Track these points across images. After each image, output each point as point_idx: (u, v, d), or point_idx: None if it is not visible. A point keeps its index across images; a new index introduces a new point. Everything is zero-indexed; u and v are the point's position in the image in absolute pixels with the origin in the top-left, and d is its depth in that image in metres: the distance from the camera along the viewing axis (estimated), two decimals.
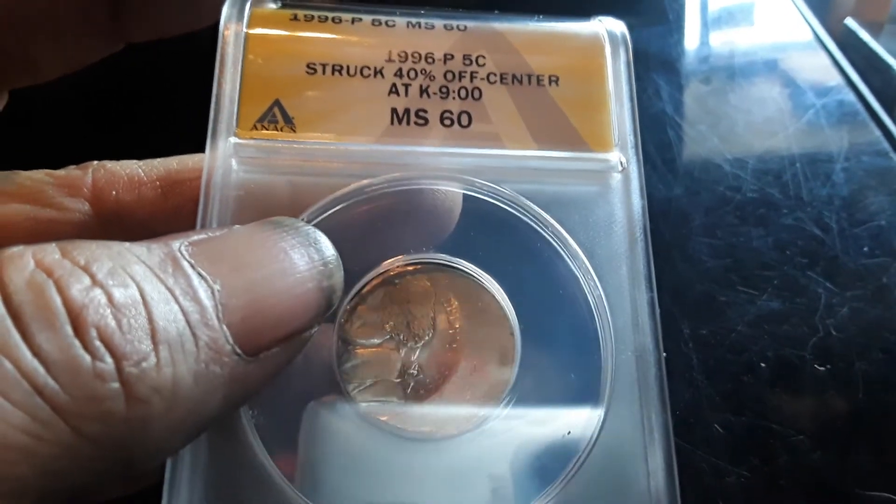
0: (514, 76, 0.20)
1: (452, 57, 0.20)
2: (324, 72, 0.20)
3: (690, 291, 0.35)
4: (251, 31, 0.20)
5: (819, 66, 0.48)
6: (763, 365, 0.33)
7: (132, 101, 0.40)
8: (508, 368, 0.19)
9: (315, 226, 0.17)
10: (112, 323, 0.12)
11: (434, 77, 0.20)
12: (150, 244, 0.14)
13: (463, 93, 0.20)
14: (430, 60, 0.20)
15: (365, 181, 0.19)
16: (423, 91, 0.20)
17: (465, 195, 0.20)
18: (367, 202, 0.19)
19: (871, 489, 0.29)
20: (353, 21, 0.20)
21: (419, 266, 0.20)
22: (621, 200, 0.20)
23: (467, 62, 0.20)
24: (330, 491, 0.18)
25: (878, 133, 0.43)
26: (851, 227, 0.38)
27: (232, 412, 0.17)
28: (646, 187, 0.20)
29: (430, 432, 0.18)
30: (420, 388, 0.19)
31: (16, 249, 0.13)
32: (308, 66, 0.20)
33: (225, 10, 0.20)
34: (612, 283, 0.19)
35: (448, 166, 0.20)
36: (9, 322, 0.12)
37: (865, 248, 0.37)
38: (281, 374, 0.16)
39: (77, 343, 0.12)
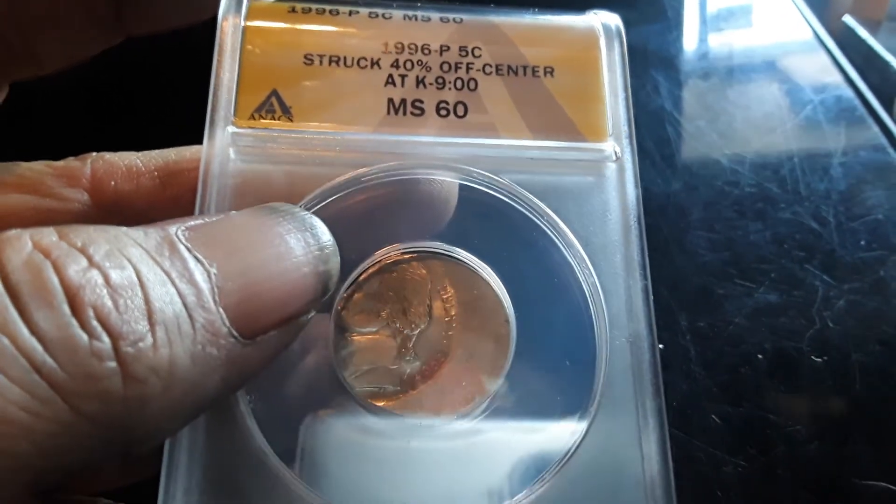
0: (509, 67, 0.21)
1: (448, 48, 0.21)
2: (321, 63, 0.20)
3: (688, 284, 0.35)
4: (249, 24, 0.20)
5: (817, 63, 0.48)
6: (760, 357, 0.33)
7: (131, 93, 0.40)
8: (503, 355, 0.19)
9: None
10: (109, 303, 0.13)
11: (430, 68, 0.20)
12: (146, 228, 0.14)
13: (459, 83, 0.20)
14: (426, 52, 0.20)
15: (361, 170, 0.19)
16: (420, 82, 0.20)
17: (461, 184, 0.20)
18: (363, 191, 0.20)
19: (867, 479, 0.29)
20: (350, 13, 0.21)
21: (415, 254, 0.20)
22: (616, 190, 0.20)
23: (463, 53, 0.21)
24: (327, 475, 0.18)
25: (875, 129, 0.43)
26: (849, 220, 0.38)
27: (229, 395, 0.17)
28: (644, 182, 0.20)
29: (427, 417, 0.18)
30: (416, 375, 0.19)
31: (14, 232, 0.13)
32: (305, 56, 0.20)
33: (223, 2, 0.20)
34: (607, 271, 0.19)
35: (444, 156, 0.20)
36: (7, 300, 0.12)
37: (862, 242, 0.37)
38: (278, 360, 0.16)
39: (74, 322, 0.12)
